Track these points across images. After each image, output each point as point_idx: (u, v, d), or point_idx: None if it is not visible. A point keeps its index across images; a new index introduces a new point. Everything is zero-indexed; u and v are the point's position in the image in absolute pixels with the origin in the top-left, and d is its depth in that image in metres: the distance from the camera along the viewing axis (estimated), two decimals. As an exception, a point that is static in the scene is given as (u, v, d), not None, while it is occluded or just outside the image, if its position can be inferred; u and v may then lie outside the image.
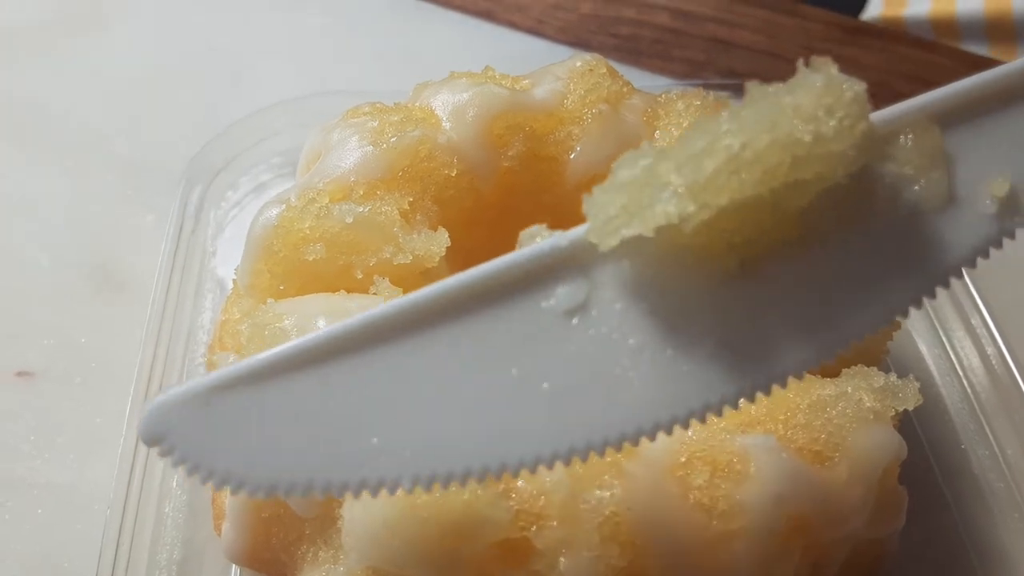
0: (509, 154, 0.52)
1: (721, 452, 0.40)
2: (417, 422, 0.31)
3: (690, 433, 0.40)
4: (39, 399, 0.58)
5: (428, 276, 0.48)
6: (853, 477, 0.41)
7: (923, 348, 0.59)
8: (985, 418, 0.55)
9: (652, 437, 0.31)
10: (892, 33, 0.90)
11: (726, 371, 0.32)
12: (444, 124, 0.52)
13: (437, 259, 0.48)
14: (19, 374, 0.59)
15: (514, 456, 0.31)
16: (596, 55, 0.56)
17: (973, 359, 0.57)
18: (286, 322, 0.43)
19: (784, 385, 0.32)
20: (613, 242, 0.32)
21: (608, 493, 0.39)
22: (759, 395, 0.32)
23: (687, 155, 0.31)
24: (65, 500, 0.54)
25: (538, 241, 0.33)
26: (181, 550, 0.50)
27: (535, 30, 0.88)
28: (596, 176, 0.51)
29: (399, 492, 0.31)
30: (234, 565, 0.49)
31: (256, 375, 0.31)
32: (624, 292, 0.32)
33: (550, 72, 0.55)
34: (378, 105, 0.54)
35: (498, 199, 0.52)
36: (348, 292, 0.46)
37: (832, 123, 0.31)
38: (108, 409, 0.57)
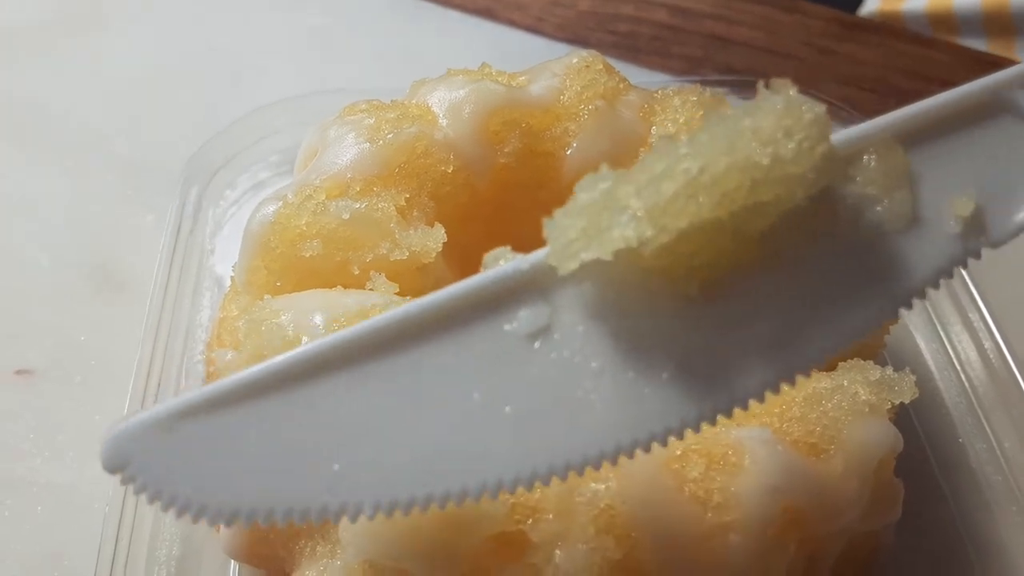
0: (505, 150, 0.52)
1: (716, 445, 0.40)
2: (379, 447, 0.31)
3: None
4: (39, 398, 0.59)
5: (425, 272, 0.48)
6: (848, 470, 0.41)
7: (921, 342, 0.59)
8: (983, 412, 0.55)
9: (614, 461, 0.31)
10: (890, 28, 0.90)
11: (688, 393, 0.31)
12: (441, 121, 0.52)
13: (433, 255, 0.48)
14: (19, 373, 0.59)
15: (476, 481, 0.31)
16: (593, 51, 0.56)
17: (971, 353, 0.57)
18: (283, 318, 0.44)
19: (746, 407, 0.32)
20: (572, 266, 0.32)
21: (603, 486, 0.39)
22: (720, 417, 0.32)
23: (646, 178, 0.31)
24: (65, 499, 0.54)
25: (501, 264, 0.33)
26: (180, 546, 0.50)
27: (534, 28, 0.88)
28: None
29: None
30: (233, 561, 0.49)
31: (218, 401, 0.31)
32: (586, 315, 0.32)
33: (547, 68, 0.55)
34: (375, 102, 0.54)
35: (494, 195, 0.52)
36: (345, 288, 0.47)
37: (791, 145, 0.31)
38: (108, 408, 0.57)
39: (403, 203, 0.49)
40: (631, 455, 0.31)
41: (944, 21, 0.96)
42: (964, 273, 0.58)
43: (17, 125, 0.77)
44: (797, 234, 0.33)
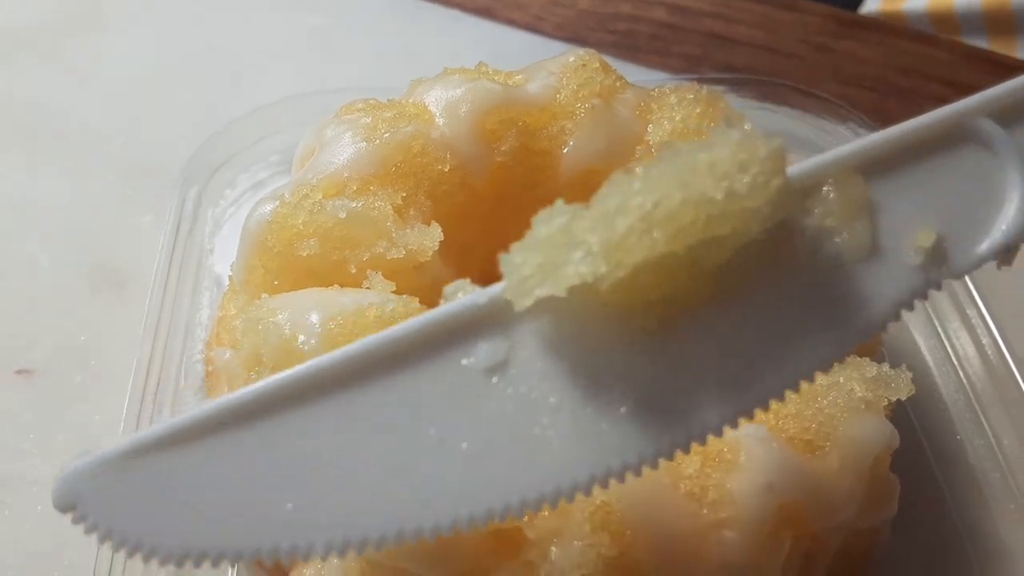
0: (502, 149, 0.52)
1: (711, 442, 0.40)
2: (333, 486, 0.31)
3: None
4: (39, 397, 0.59)
5: (421, 270, 0.48)
6: (844, 466, 0.41)
7: (919, 339, 0.59)
8: (981, 408, 0.55)
9: (570, 499, 0.31)
10: (889, 26, 0.90)
11: (645, 430, 0.31)
12: (437, 120, 0.52)
13: (430, 254, 0.48)
14: (19, 372, 0.60)
15: (430, 519, 0.31)
16: (589, 50, 0.56)
17: (969, 350, 0.57)
18: (280, 317, 0.44)
19: (703, 443, 0.31)
20: (527, 302, 0.31)
21: (599, 484, 0.39)
22: (678, 453, 0.31)
23: (601, 213, 0.31)
24: (65, 497, 0.54)
25: (460, 296, 0.33)
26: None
27: (533, 27, 0.88)
28: (589, 170, 0.52)
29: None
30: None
31: (170, 440, 0.31)
32: (544, 350, 0.32)
33: (543, 67, 0.55)
34: (372, 101, 0.54)
35: (491, 194, 0.52)
36: (342, 287, 0.47)
37: (746, 180, 0.31)
38: (107, 407, 0.57)
39: (400, 202, 0.49)
40: (588, 493, 0.31)
41: (945, 20, 0.96)
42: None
43: (17, 125, 0.77)
44: (755, 268, 0.32)
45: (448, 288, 0.34)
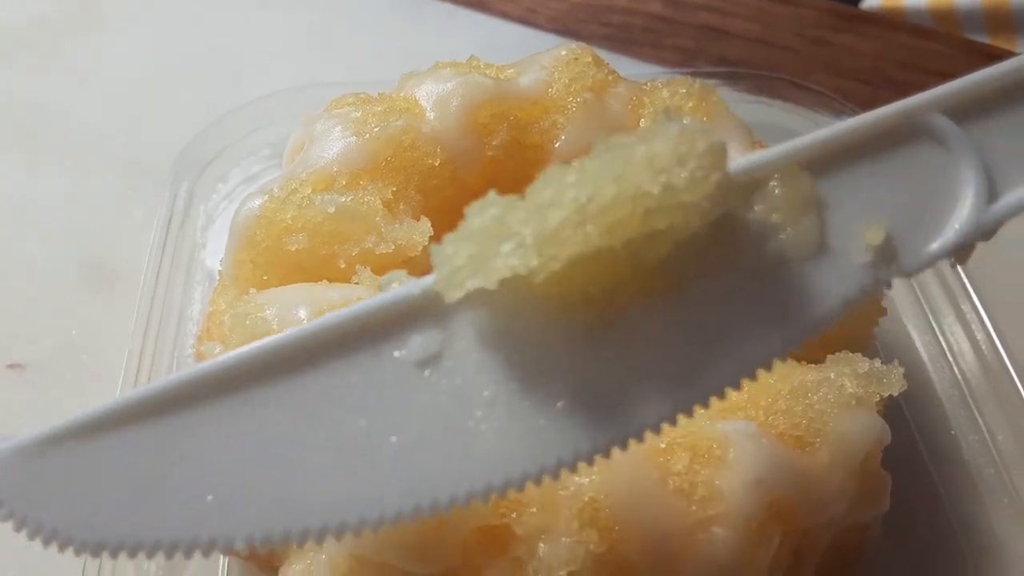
0: (493, 143, 0.52)
1: (701, 438, 0.40)
2: (257, 478, 0.30)
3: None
4: (31, 391, 0.59)
5: (411, 265, 0.48)
6: (834, 462, 0.41)
7: (913, 334, 0.59)
8: (975, 404, 0.55)
9: (502, 493, 0.30)
10: (887, 20, 0.90)
11: (582, 425, 0.30)
12: (428, 114, 0.52)
13: (420, 248, 0.48)
14: (11, 367, 0.60)
15: (354, 515, 0.30)
16: (582, 44, 0.55)
17: (963, 345, 0.57)
18: (268, 312, 0.44)
19: (642, 440, 0.31)
20: (458, 294, 0.31)
21: (587, 479, 0.38)
22: (615, 450, 0.31)
23: (535, 205, 0.30)
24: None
25: (394, 287, 0.32)
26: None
27: (526, 20, 0.88)
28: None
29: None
30: (221, 556, 0.49)
31: (88, 429, 0.30)
32: (479, 343, 0.31)
33: (535, 61, 0.55)
34: (362, 95, 0.54)
35: (482, 188, 0.51)
36: (331, 282, 0.46)
37: (684, 174, 0.30)
38: (99, 401, 0.57)
39: (389, 196, 0.49)
40: (521, 488, 0.30)
41: (946, 17, 0.96)
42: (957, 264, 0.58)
43: (17, 125, 0.77)
44: (697, 263, 0.32)
45: (383, 279, 0.33)
